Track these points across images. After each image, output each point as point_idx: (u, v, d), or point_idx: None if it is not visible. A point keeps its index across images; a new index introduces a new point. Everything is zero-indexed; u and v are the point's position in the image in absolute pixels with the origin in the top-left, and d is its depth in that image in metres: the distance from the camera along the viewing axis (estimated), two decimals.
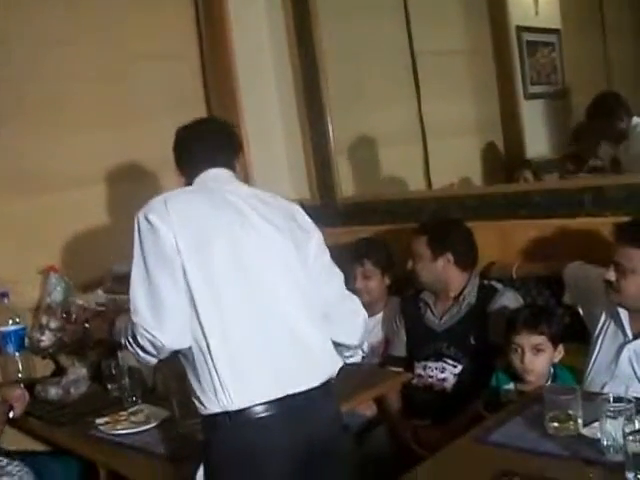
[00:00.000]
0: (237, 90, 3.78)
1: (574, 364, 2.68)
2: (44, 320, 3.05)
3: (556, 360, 2.63)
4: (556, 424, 2.03)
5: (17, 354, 3.08)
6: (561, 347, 2.62)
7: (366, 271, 3.25)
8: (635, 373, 2.49)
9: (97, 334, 2.99)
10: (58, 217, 3.26)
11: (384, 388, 2.84)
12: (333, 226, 3.53)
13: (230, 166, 2.22)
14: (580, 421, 2.02)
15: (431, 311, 3.11)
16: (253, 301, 2.01)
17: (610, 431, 1.86)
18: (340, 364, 2.15)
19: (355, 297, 2.28)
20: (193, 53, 3.84)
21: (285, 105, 4.01)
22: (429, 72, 4.50)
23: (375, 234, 3.61)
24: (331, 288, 2.19)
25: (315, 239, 2.18)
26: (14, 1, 3.23)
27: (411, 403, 3.01)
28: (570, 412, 2.03)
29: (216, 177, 2.18)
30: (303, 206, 2.29)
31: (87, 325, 2.95)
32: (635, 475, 1.68)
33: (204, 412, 1.99)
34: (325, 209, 3.84)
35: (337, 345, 2.17)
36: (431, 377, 3.00)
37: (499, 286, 3.03)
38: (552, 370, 2.62)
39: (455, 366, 2.96)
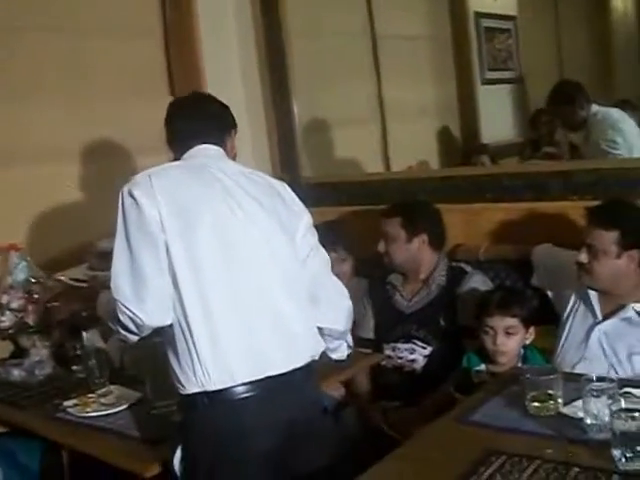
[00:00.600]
0: (201, 67, 3.72)
1: (542, 345, 2.71)
2: (4, 300, 2.96)
3: (527, 342, 2.65)
4: (537, 404, 2.04)
5: None
6: (532, 329, 2.65)
7: (340, 256, 3.22)
8: (605, 353, 2.53)
9: (60, 314, 2.93)
10: (22, 194, 3.17)
11: (354, 370, 2.82)
12: None
13: (220, 143, 2.18)
14: (560, 401, 2.04)
15: (399, 293, 3.11)
16: (236, 281, 1.98)
17: (593, 410, 1.88)
18: (323, 346, 2.13)
19: (340, 282, 2.25)
20: (157, 28, 3.77)
21: (249, 83, 3.97)
22: (390, 56, 4.52)
23: (339, 215, 3.60)
24: (317, 269, 2.16)
25: (304, 220, 2.16)
26: None
27: (380, 384, 3.01)
28: (550, 392, 2.04)
29: (204, 153, 2.14)
30: None
31: (49, 305, 2.89)
32: (622, 452, 1.70)
33: (183, 392, 1.96)
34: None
35: (322, 334, 2.15)
36: (400, 358, 3.00)
37: (468, 268, 3.05)
38: (522, 351, 2.65)
39: (425, 347, 2.97)
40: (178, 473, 2.00)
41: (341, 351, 2.29)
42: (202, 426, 1.96)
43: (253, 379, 1.93)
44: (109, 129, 3.43)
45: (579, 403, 1.97)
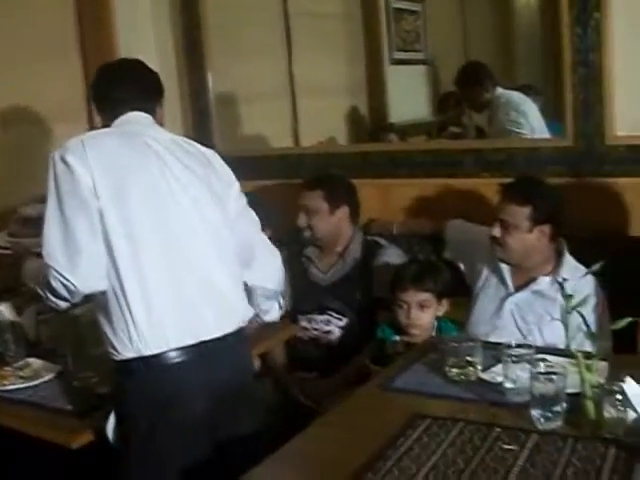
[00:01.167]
0: (114, 37, 3.67)
1: (455, 317, 2.80)
2: None
3: (440, 314, 2.73)
4: (456, 370, 2.11)
5: None
6: (445, 301, 2.73)
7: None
8: (516, 324, 2.63)
9: None
10: None
11: (270, 342, 2.84)
12: None
13: (151, 111, 2.17)
14: (479, 367, 2.12)
15: (315, 266, 3.15)
16: (169, 247, 1.99)
17: (512, 375, 1.96)
18: (251, 313, 2.17)
19: (270, 242, 2.30)
20: None
21: (164, 56, 3.92)
22: (301, 33, 4.53)
23: (253, 189, 3.59)
24: (248, 230, 2.21)
25: (235, 187, 2.20)
26: None
27: (297, 356, 3.05)
28: (469, 359, 2.11)
29: (136, 120, 2.12)
30: None
31: None
32: (540, 413, 1.79)
33: (117, 358, 1.96)
34: None
35: (255, 296, 2.21)
36: (316, 330, 3.05)
37: (383, 242, 3.12)
38: (436, 323, 2.72)
39: (340, 319, 3.02)
40: (112, 440, 2.00)
41: (274, 311, 2.36)
42: (138, 391, 1.97)
43: (187, 344, 1.95)
44: (21, 96, 3.37)
45: (497, 369, 2.06)
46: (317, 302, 3.08)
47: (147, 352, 1.92)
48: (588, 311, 2.53)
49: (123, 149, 2.01)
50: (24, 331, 2.72)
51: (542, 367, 1.86)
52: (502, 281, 2.71)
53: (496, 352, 2.08)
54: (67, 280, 1.88)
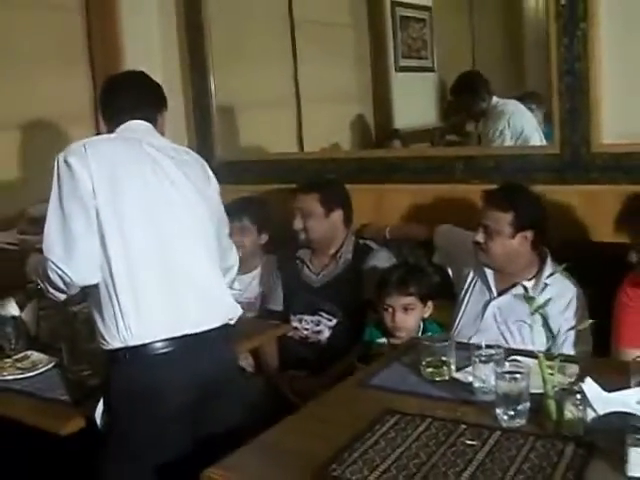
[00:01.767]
0: (121, 44, 3.78)
1: (442, 319, 2.87)
2: None
3: (425, 315, 2.80)
4: (431, 369, 2.19)
5: None
6: (430, 303, 2.80)
7: (243, 227, 3.30)
8: (498, 327, 2.70)
9: None
10: None
11: (261, 338, 2.94)
12: None
13: (152, 120, 2.32)
14: (453, 367, 2.19)
15: (308, 268, 3.24)
16: (160, 244, 2.12)
17: (481, 375, 2.03)
18: (239, 311, 2.29)
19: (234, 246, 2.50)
20: (79, 3, 3.82)
21: (168, 62, 4.02)
22: (307, 41, 4.60)
23: (252, 193, 3.68)
24: (225, 234, 2.40)
25: (217, 188, 2.37)
26: None
27: (288, 355, 3.12)
28: (444, 358, 2.19)
29: (137, 128, 2.27)
30: None
31: None
32: (504, 411, 1.86)
33: (106, 347, 2.08)
34: None
35: None
36: (307, 330, 3.14)
37: (374, 245, 3.20)
38: (422, 324, 2.79)
39: (330, 320, 3.10)
40: (100, 426, 2.12)
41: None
42: (122, 380, 2.09)
43: (171, 336, 2.07)
44: (33, 101, 3.52)
45: (470, 369, 2.12)
46: (309, 303, 3.16)
47: (133, 342, 2.04)
48: (569, 316, 2.61)
49: (121, 153, 2.16)
50: (25, 326, 2.84)
51: (507, 367, 1.94)
52: (486, 285, 2.78)
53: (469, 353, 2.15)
54: (63, 272, 2.03)
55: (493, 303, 2.74)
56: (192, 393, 2.11)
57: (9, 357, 2.66)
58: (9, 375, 2.50)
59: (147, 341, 2.05)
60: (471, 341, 2.65)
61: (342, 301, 3.10)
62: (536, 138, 3.59)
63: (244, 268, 3.07)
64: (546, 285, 2.65)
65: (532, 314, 1.89)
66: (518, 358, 2.13)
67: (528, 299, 1.90)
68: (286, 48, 4.53)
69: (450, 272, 3.02)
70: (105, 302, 2.07)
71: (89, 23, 3.83)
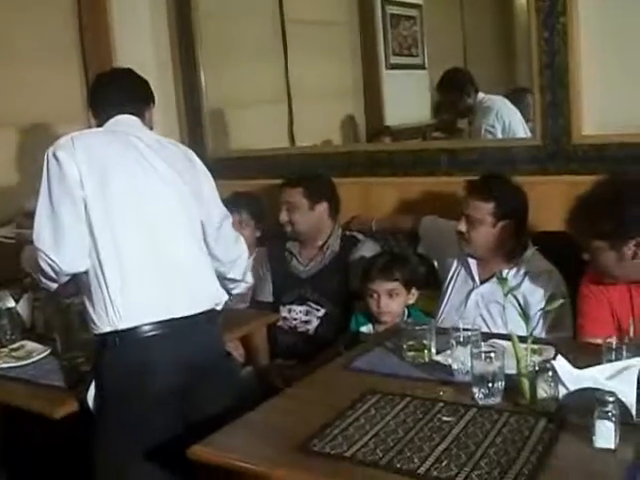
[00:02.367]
0: (112, 41, 3.85)
1: (427, 309, 2.94)
2: None
3: (410, 302, 2.87)
4: (412, 353, 2.26)
5: None
6: (414, 290, 2.87)
7: (242, 220, 3.38)
8: (481, 315, 2.77)
9: None
10: None
11: (250, 327, 3.01)
12: None
13: (139, 114, 2.40)
14: (434, 350, 2.26)
15: (296, 259, 3.31)
16: (146, 231, 2.20)
17: (459, 356, 2.10)
18: (225, 297, 2.36)
19: (241, 237, 2.54)
20: (70, 2, 3.90)
21: (160, 59, 4.10)
22: (298, 39, 4.67)
23: (244, 188, 3.75)
24: (219, 218, 2.43)
25: (210, 179, 2.44)
26: None
27: (277, 344, 3.20)
28: (425, 342, 2.26)
29: (125, 122, 2.36)
30: None
31: None
32: (479, 389, 1.93)
33: (96, 331, 2.16)
34: None
35: (224, 280, 2.43)
36: (295, 319, 3.21)
37: (360, 237, 3.27)
38: (406, 311, 2.86)
39: (318, 310, 3.18)
40: (92, 408, 2.20)
41: (240, 288, 2.62)
42: (111, 363, 2.17)
43: (159, 319, 2.15)
44: (26, 97, 3.61)
45: (450, 352, 2.19)
46: (297, 293, 3.24)
47: (122, 326, 2.12)
48: (545, 296, 2.67)
49: (107, 145, 2.24)
50: (20, 317, 2.92)
51: (483, 347, 2.00)
52: (469, 274, 2.85)
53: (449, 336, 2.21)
54: (53, 261, 2.12)
55: (476, 291, 2.81)
56: (180, 375, 2.18)
57: (5, 347, 2.73)
58: (4, 363, 2.58)
59: (135, 324, 2.13)
60: None
61: (330, 291, 3.18)
62: (521, 133, 3.65)
63: None
64: (526, 273, 2.71)
65: (505, 295, 1.95)
66: (496, 341, 2.20)
67: (501, 280, 1.97)
68: (277, 45, 4.59)
69: (435, 262, 3.09)
70: (94, 288, 2.15)
71: (81, 22, 3.90)
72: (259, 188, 3.77)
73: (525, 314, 1.94)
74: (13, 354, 2.67)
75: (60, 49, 3.83)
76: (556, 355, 1.98)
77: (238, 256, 2.51)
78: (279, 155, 3.90)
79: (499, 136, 3.52)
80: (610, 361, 1.95)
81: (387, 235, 3.31)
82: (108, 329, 2.13)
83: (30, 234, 2.39)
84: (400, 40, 5.29)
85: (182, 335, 2.18)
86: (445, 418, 1.87)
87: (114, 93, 2.41)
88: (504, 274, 2.70)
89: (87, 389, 2.20)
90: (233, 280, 2.51)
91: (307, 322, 3.18)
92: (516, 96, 3.93)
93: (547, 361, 1.91)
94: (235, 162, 3.97)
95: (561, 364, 1.86)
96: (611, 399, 1.66)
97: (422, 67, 5.32)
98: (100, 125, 2.40)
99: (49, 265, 2.13)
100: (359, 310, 2.95)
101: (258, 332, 3.11)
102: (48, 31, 3.77)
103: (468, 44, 5.00)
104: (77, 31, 3.92)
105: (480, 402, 1.93)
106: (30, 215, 2.90)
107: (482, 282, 2.82)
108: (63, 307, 2.67)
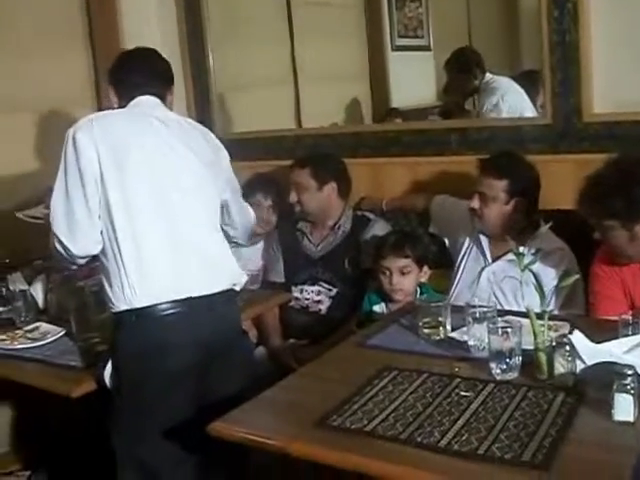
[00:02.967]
0: (120, 26, 3.84)
1: (440, 287, 2.94)
2: None
3: (422, 280, 2.88)
4: (428, 330, 2.27)
5: None
6: (426, 268, 2.88)
7: (266, 202, 3.41)
8: (494, 292, 2.77)
9: None
10: None
11: (263, 306, 3.01)
12: None
13: (162, 96, 2.40)
14: (449, 327, 2.27)
15: (308, 239, 3.32)
16: (164, 211, 2.21)
17: (475, 333, 2.11)
18: (244, 278, 2.38)
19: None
20: None
21: (167, 41, 4.04)
22: (304, 21, 4.66)
23: (252, 169, 3.75)
24: (234, 198, 2.49)
25: (226, 159, 2.46)
26: None
27: (289, 324, 3.22)
28: (440, 319, 2.27)
29: (145, 103, 2.35)
30: None
31: None
32: (497, 364, 1.94)
33: (113, 310, 2.18)
34: None
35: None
36: (307, 299, 3.22)
37: (372, 216, 3.27)
38: (419, 289, 2.86)
39: (330, 289, 3.19)
40: (109, 386, 2.21)
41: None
42: (128, 341, 2.18)
43: (175, 298, 2.15)
44: (38, 82, 3.60)
45: (465, 329, 2.20)
46: (309, 273, 3.24)
47: (138, 304, 2.13)
48: (559, 272, 2.67)
49: (127, 125, 2.25)
50: (34, 299, 2.93)
51: (500, 323, 2.01)
52: (482, 252, 2.86)
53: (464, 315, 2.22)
54: (65, 246, 2.15)
55: (488, 269, 2.82)
56: (197, 353, 2.19)
57: (20, 329, 2.74)
58: (20, 344, 2.59)
59: (152, 302, 2.13)
60: None
61: (342, 271, 3.18)
62: (529, 115, 3.64)
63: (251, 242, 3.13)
64: (538, 250, 2.71)
65: (522, 270, 1.96)
66: (511, 317, 2.21)
67: (518, 256, 1.97)
68: (284, 27, 4.59)
69: (446, 241, 3.09)
70: (112, 268, 2.15)
71: (89, 4, 3.89)
72: (267, 169, 3.76)
73: (541, 289, 1.94)
74: (28, 335, 2.68)
75: (68, 33, 3.82)
76: (572, 330, 1.99)
77: (250, 224, 2.61)
78: (287, 136, 3.89)
79: (504, 115, 3.51)
80: (626, 336, 1.96)
81: (398, 215, 3.31)
82: (124, 307, 2.14)
83: None
84: (405, 22, 5.28)
85: (199, 315, 2.18)
86: (463, 393, 1.88)
87: (138, 73, 2.39)
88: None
89: (104, 367, 2.21)
90: (237, 244, 2.58)
91: (319, 302, 3.19)
92: (524, 78, 3.94)
93: (564, 336, 1.92)
94: (243, 143, 3.95)
95: (578, 338, 1.87)
96: (630, 372, 1.67)
97: (427, 49, 5.31)
98: (122, 105, 2.39)
99: (64, 249, 2.17)
100: (372, 289, 2.95)
101: (270, 312, 3.13)
102: (55, 14, 3.76)
103: (473, 25, 4.99)
104: (85, 14, 3.89)
105: (497, 377, 1.94)
106: None
107: (494, 260, 2.82)
108: (77, 288, 2.69)
